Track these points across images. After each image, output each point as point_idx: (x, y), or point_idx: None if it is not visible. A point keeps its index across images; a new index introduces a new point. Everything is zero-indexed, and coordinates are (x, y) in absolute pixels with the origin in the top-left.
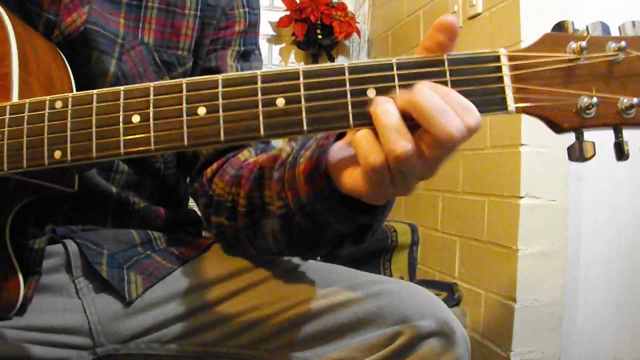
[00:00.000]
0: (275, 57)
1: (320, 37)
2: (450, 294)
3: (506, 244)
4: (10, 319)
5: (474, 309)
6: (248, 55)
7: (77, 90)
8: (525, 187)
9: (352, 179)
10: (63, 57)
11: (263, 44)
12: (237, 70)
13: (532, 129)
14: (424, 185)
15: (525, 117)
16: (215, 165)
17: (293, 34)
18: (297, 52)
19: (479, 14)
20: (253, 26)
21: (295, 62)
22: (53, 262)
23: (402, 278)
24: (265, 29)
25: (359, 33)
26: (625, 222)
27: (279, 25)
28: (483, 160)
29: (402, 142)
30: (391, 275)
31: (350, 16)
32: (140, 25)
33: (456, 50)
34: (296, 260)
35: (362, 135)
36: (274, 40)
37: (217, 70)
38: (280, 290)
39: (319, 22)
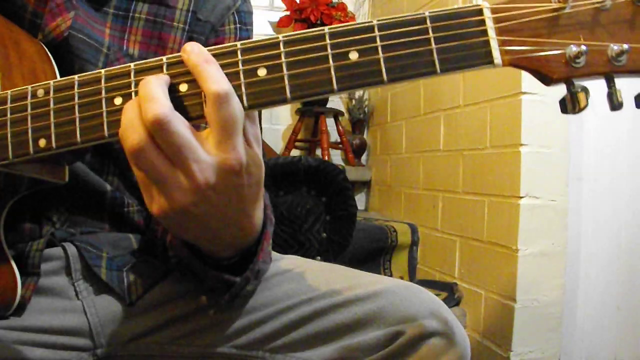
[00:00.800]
0: None
1: None
2: (450, 294)
3: (506, 244)
4: (7, 318)
5: (474, 309)
6: None
7: None
8: (525, 187)
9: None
10: (47, 50)
11: None
12: None
13: (532, 128)
14: (424, 185)
15: (525, 117)
16: None
17: None
18: None
19: None
20: None
21: None
22: (52, 265)
23: (402, 278)
24: (265, 29)
25: None
26: (625, 222)
27: (279, 25)
28: (483, 160)
29: (155, 105)
30: (391, 275)
31: (350, 16)
32: (126, 37)
33: None
34: (295, 260)
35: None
36: None
37: None
38: (279, 291)
39: (319, 22)
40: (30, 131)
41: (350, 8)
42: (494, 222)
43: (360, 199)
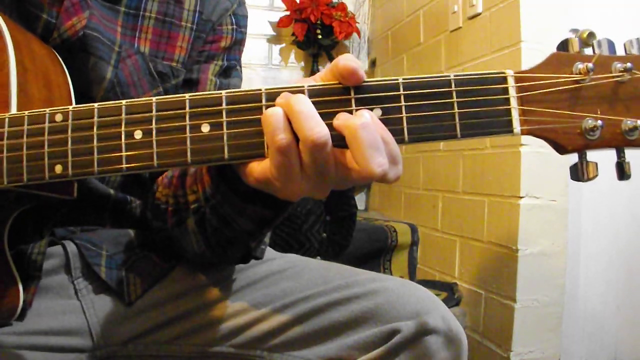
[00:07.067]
0: (275, 57)
1: (320, 37)
2: (450, 294)
3: (506, 244)
4: (10, 325)
5: (474, 309)
6: (230, 71)
7: (74, 96)
8: (525, 187)
9: (261, 166)
10: (61, 62)
11: (263, 44)
12: (217, 85)
13: None
14: (424, 185)
15: None
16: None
17: (293, 34)
18: (297, 52)
19: (479, 14)
20: (238, 43)
21: (295, 63)
22: (52, 263)
23: (402, 278)
24: (265, 29)
25: (359, 33)
26: (625, 222)
27: (279, 25)
28: (483, 160)
29: (318, 128)
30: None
31: (350, 16)
32: (137, 35)
33: (456, 52)
34: (292, 258)
35: (272, 113)
36: (274, 40)
37: (197, 82)
38: (277, 289)
39: (319, 22)
40: (46, 156)
41: (350, 8)
42: (494, 222)
43: (360, 199)
